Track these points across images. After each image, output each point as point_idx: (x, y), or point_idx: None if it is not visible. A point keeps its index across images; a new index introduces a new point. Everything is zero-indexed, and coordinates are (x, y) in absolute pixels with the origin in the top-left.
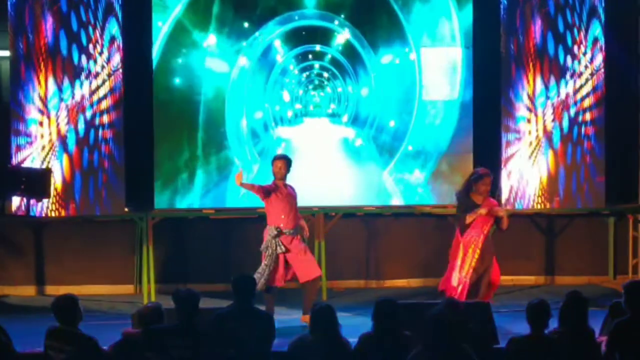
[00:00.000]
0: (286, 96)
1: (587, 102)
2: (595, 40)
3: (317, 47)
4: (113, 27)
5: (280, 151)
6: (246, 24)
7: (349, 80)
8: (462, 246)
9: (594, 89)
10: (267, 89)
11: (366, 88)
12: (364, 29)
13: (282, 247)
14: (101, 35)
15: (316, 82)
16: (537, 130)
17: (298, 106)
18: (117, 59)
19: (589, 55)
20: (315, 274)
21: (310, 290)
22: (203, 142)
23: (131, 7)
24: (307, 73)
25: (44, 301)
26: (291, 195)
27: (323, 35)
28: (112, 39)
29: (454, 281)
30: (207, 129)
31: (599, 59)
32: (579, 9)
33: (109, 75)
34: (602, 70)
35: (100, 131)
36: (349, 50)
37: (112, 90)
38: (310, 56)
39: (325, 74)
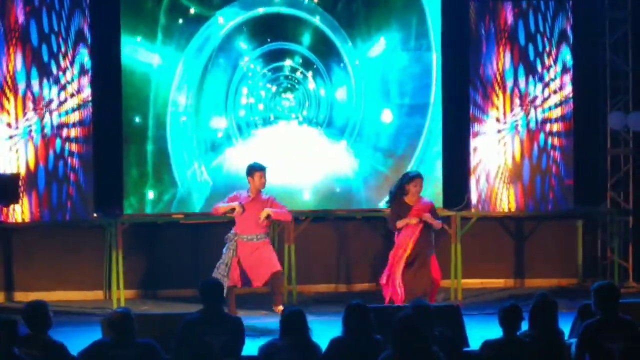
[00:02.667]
0: (251, 100)
1: (554, 100)
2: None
3: (288, 41)
4: (84, 56)
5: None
6: (201, 8)
7: (322, 80)
8: (395, 247)
9: (561, 88)
10: (229, 91)
11: (343, 89)
12: (341, 17)
13: (234, 251)
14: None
15: (285, 84)
16: (505, 123)
17: (262, 107)
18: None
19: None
20: (270, 272)
21: (274, 284)
22: (153, 156)
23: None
24: (277, 74)
25: (13, 307)
26: (260, 203)
27: (294, 25)
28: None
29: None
30: (157, 141)
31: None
32: (549, 34)
33: (79, 74)
34: (570, 71)
35: (66, 129)
36: (324, 45)
37: (80, 91)
38: (279, 53)
39: (298, 72)
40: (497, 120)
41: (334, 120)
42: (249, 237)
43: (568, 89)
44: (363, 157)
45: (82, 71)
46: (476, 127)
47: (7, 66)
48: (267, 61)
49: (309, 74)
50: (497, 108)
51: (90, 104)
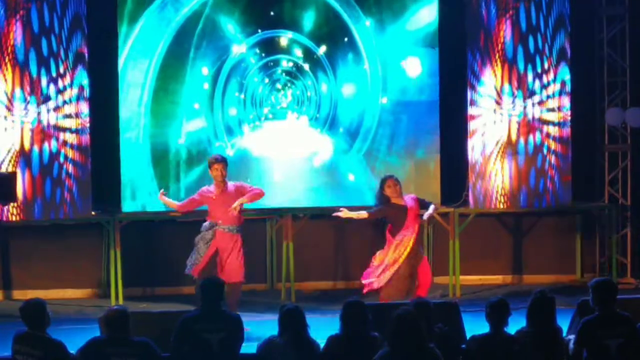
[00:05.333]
0: (242, 96)
1: (551, 96)
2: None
3: (286, 23)
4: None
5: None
6: None
7: (324, 76)
8: (394, 246)
9: (558, 82)
10: (217, 86)
11: (352, 83)
12: None
13: (210, 241)
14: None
15: (282, 80)
16: (502, 114)
17: (256, 104)
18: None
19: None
20: (236, 278)
21: (230, 294)
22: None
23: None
24: (272, 70)
25: (11, 306)
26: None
27: (294, 7)
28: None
29: (383, 280)
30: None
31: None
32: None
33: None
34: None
35: (63, 124)
36: (332, 26)
37: (76, 89)
38: (275, 40)
39: (298, 62)
40: (496, 102)
41: (339, 118)
42: (228, 228)
43: (565, 86)
44: (371, 159)
45: (79, 60)
46: (473, 118)
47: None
48: (262, 50)
49: (312, 64)
50: (496, 89)
51: (88, 101)
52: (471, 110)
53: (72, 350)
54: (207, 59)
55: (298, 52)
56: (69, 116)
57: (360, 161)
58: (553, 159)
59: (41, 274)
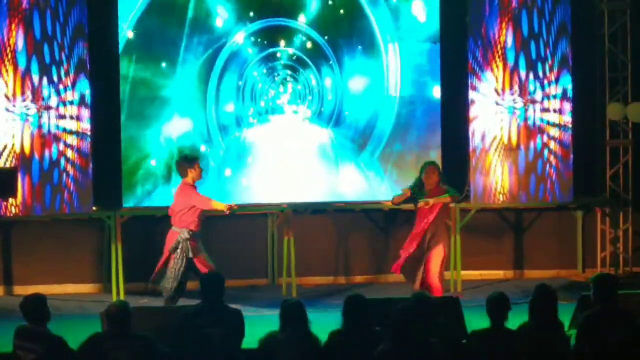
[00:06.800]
0: (243, 92)
1: (553, 91)
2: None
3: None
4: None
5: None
6: None
7: (328, 68)
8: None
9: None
10: (210, 81)
11: (357, 78)
12: None
13: (191, 252)
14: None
15: (283, 74)
16: (503, 100)
17: (256, 100)
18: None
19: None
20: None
21: None
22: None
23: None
24: (271, 63)
25: (12, 301)
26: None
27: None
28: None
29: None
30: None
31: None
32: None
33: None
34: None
35: (64, 121)
36: (352, 19)
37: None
38: (276, 35)
39: (303, 55)
40: (497, 92)
41: (345, 114)
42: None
43: (567, 80)
44: (383, 161)
45: (81, 64)
46: (474, 111)
47: (8, 39)
48: (262, 40)
49: (315, 55)
50: (497, 79)
51: (90, 96)
52: (472, 105)
53: (73, 345)
54: (199, 50)
55: (300, 42)
56: (70, 114)
57: (372, 161)
58: (554, 153)
59: (42, 269)
